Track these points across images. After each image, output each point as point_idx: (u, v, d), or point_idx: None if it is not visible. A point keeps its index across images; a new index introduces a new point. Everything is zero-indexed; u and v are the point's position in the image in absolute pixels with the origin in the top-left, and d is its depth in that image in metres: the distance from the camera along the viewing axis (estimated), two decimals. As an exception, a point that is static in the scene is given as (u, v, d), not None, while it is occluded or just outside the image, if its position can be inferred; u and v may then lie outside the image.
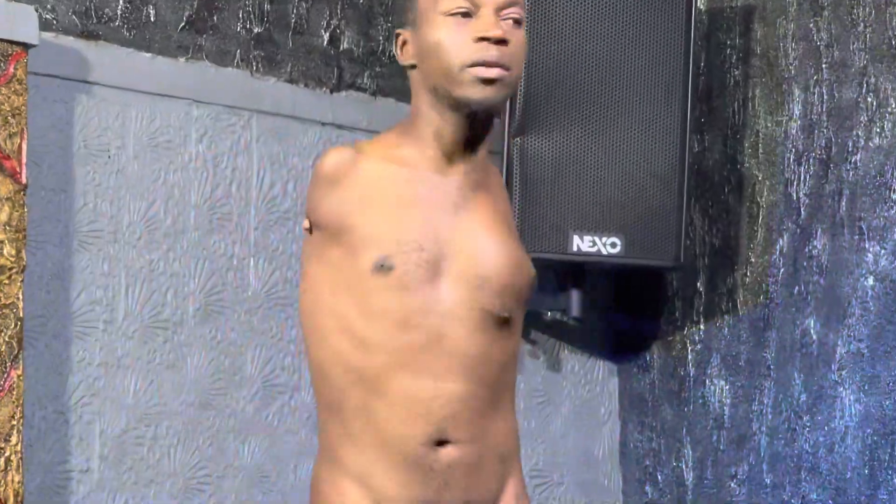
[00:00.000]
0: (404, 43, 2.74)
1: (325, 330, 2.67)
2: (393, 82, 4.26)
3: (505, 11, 2.67)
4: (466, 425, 2.63)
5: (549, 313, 4.49)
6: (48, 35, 3.69)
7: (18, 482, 3.44)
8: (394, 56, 4.07)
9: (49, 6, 3.74)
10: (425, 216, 2.67)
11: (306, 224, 2.70)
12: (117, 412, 3.80)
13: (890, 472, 4.07)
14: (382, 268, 2.62)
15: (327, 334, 2.67)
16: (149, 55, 3.90)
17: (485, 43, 2.64)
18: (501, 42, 2.64)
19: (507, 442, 2.72)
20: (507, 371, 2.72)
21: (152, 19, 3.91)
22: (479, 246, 2.68)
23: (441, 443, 2.61)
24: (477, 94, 2.65)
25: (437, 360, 2.62)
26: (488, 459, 2.67)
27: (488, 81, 2.64)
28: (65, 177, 3.74)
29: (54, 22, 3.74)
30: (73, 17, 3.78)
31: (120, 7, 3.86)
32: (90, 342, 3.76)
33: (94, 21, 3.82)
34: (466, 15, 2.66)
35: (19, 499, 3.44)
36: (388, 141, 2.75)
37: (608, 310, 4.67)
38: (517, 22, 2.68)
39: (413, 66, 2.72)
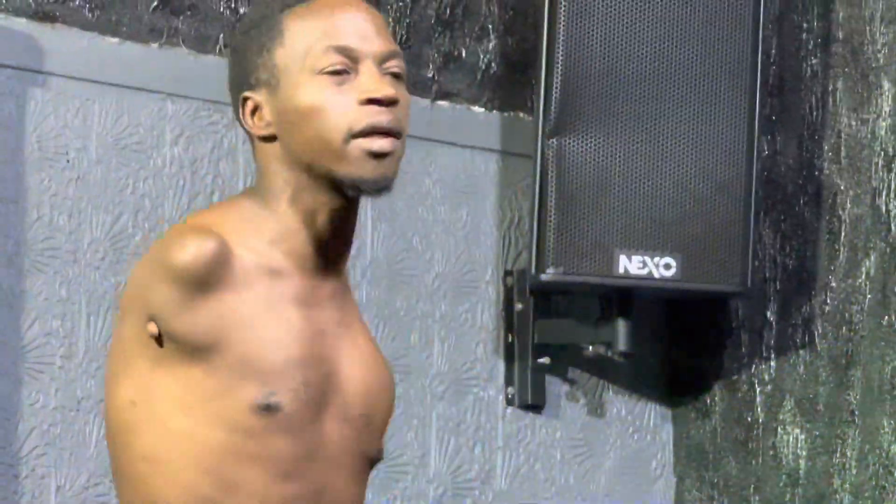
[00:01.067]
0: (255, 108, 2.50)
1: (174, 465, 2.41)
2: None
3: (386, 64, 2.47)
4: None
5: (591, 347, 4.28)
6: (-4, 17, 3.68)
7: (-39, 553, 3.43)
8: (405, 40, 4.07)
9: (-4, -17, 3.77)
10: (309, 339, 2.48)
11: (154, 330, 2.40)
12: (77, 464, 3.69)
13: None
14: (269, 408, 2.40)
15: (178, 470, 2.41)
16: (115, 40, 3.83)
17: (373, 106, 2.43)
18: (394, 102, 2.44)
19: None
20: None
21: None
22: (358, 376, 2.53)
23: None
24: (369, 171, 2.43)
25: None
26: None
27: (381, 155, 2.43)
28: (15, 184, 3.68)
29: (2, 1, 3.68)
30: (26, -4, 3.78)
31: (81, -16, 3.87)
32: (44, 381, 3.67)
33: (50, 1, 3.75)
34: (342, 73, 2.46)
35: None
36: (234, 227, 2.49)
37: (661, 344, 4.52)
38: (398, 77, 2.49)
39: (270, 138, 2.49)
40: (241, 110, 2.52)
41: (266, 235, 2.49)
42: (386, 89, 2.44)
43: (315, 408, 2.46)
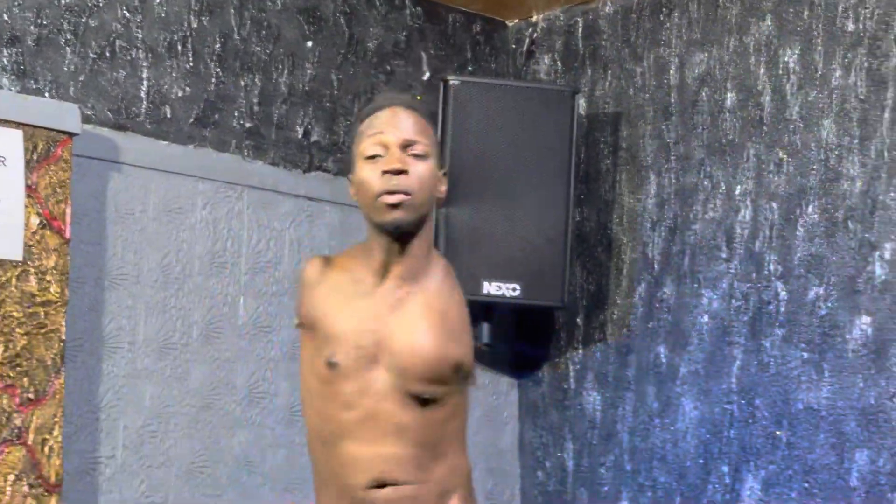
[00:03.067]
0: (351, 182, 2.65)
1: (305, 402, 2.67)
2: (350, 166, 4.24)
3: (409, 149, 2.56)
4: (401, 474, 2.58)
5: None
6: (88, 126, 3.68)
7: (59, 465, 3.42)
8: (350, 145, 4.07)
9: (89, 104, 3.73)
10: (366, 318, 2.59)
11: (297, 320, 2.66)
12: (137, 412, 3.78)
13: (718, 462, 4.08)
14: (331, 364, 2.59)
15: (306, 405, 2.67)
16: (165, 143, 3.89)
17: (388, 175, 2.53)
18: (402, 172, 2.52)
19: (446, 479, 2.66)
20: (443, 429, 2.63)
21: (168, 116, 3.90)
22: (405, 341, 2.58)
23: (381, 485, 2.58)
24: (387, 217, 2.55)
25: (372, 430, 2.57)
26: (426, 494, 2.62)
27: (393, 206, 2.54)
28: (100, 233, 3.72)
29: (93, 116, 3.74)
30: (108, 112, 3.78)
31: (144, 106, 3.85)
32: (117, 359, 3.74)
33: (124, 116, 3.81)
34: (379, 157, 2.56)
35: (59, 479, 3.42)
36: (351, 254, 2.67)
37: (511, 339, 4.64)
38: (419, 156, 2.55)
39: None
40: (350, 187, 2.63)
41: (359, 257, 2.63)
42: (394, 164, 2.51)
43: (368, 361, 2.56)
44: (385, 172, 2.53)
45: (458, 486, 2.67)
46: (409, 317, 2.60)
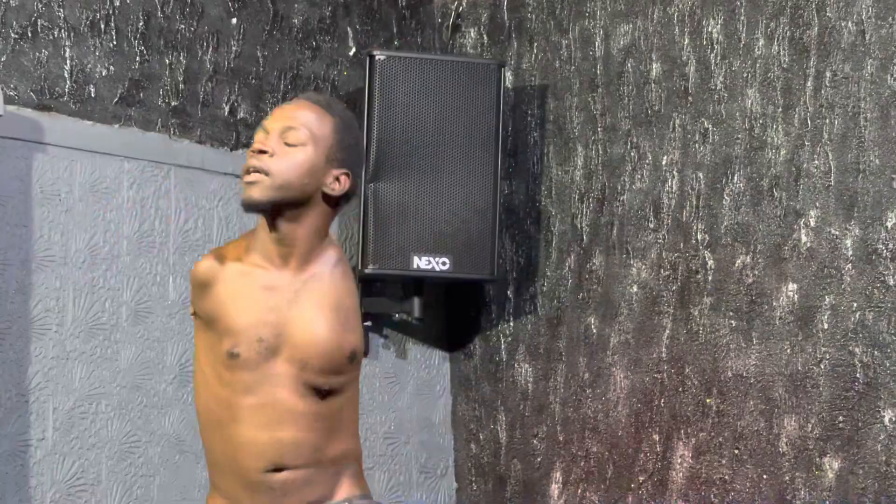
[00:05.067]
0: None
1: (198, 386, 2.66)
2: None
3: (285, 135, 2.57)
4: (297, 458, 2.61)
5: (397, 315, 4.45)
6: (11, 107, 3.67)
7: (-12, 449, 3.40)
8: None
9: (12, 85, 3.71)
10: (266, 310, 2.60)
11: (192, 310, 2.66)
12: (66, 394, 3.77)
13: (650, 430, 4.11)
14: (233, 355, 2.58)
15: (201, 390, 2.66)
16: (90, 123, 3.87)
17: (250, 154, 2.57)
18: (262, 152, 2.55)
19: (340, 460, 2.68)
20: (339, 416, 2.67)
21: (92, 95, 3.88)
22: (305, 334, 2.61)
23: (278, 469, 2.61)
24: (242, 194, 2.58)
25: (270, 416, 2.59)
26: (320, 475, 2.65)
27: (248, 184, 2.55)
28: (25, 215, 3.70)
29: (16, 97, 3.72)
30: (31, 93, 3.75)
31: (67, 86, 3.82)
32: (45, 341, 3.73)
33: (48, 96, 3.79)
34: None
35: (-11, 462, 3.40)
36: (240, 245, 2.66)
37: (442, 312, 4.63)
38: (293, 144, 2.56)
39: None
40: None
41: (249, 248, 2.62)
42: (255, 144, 2.54)
43: (269, 352, 2.58)
44: (249, 152, 2.57)
45: (351, 467, 2.71)
46: (307, 309, 2.62)
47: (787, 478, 3.80)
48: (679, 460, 4.02)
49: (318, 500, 2.64)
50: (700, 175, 4.06)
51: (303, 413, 2.60)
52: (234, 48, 4.19)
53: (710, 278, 4.01)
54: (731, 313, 3.96)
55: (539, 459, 4.35)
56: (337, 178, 2.62)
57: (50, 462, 3.68)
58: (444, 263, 4.16)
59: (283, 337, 2.60)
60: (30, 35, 3.74)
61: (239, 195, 2.57)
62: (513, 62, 4.48)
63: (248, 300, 2.59)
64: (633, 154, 4.21)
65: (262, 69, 4.24)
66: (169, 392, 3.97)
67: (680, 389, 4.04)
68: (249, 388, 2.59)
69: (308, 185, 2.58)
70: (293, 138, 2.56)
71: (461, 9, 4.64)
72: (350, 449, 2.70)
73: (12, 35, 3.70)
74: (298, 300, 2.62)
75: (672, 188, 4.12)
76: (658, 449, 4.07)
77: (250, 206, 2.56)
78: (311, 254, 2.62)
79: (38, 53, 3.75)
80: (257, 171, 2.53)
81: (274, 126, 2.58)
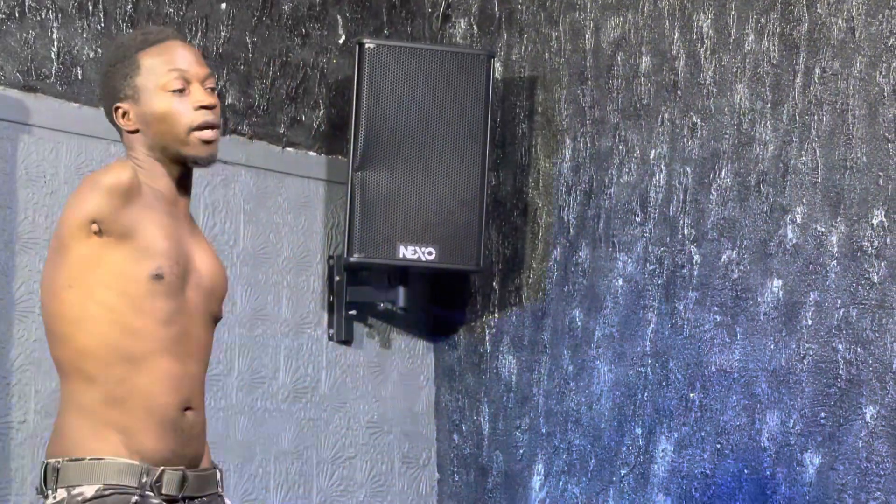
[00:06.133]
0: (125, 113, 2.63)
1: (94, 320, 2.52)
2: (266, 129, 4.24)
3: (206, 83, 2.62)
4: (199, 397, 2.61)
5: (382, 304, 4.45)
6: (-3, 88, 3.67)
7: (-32, 431, 3.37)
8: (265, 108, 4.15)
9: (-2, 65, 3.71)
10: (177, 238, 2.61)
11: (96, 228, 2.51)
12: (49, 377, 3.68)
13: (632, 424, 4.12)
14: (157, 277, 2.53)
15: (97, 325, 2.52)
16: (76, 105, 3.83)
17: (203, 110, 2.59)
18: (214, 107, 2.61)
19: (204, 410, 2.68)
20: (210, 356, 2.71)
21: (80, 77, 3.84)
22: (208, 265, 2.66)
23: (187, 409, 2.58)
24: (204, 152, 2.60)
25: (186, 348, 2.58)
26: (203, 423, 2.65)
27: (210, 142, 2.60)
28: (10, 196, 3.66)
29: (2, 77, 3.68)
30: (18, 74, 3.71)
31: (54, 67, 3.79)
32: (28, 323, 3.69)
33: (34, 78, 3.75)
34: (181, 91, 2.60)
35: (-31, 444, 3.37)
36: (142, 172, 2.62)
37: (427, 302, 4.62)
38: (213, 90, 2.64)
39: (136, 131, 2.63)
40: (113, 114, 2.62)
41: (151, 179, 2.61)
42: (210, 99, 2.58)
43: (180, 281, 2.57)
44: (201, 108, 2.58)
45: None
46: (200, 242, 2.69)
47: (768, 473, 3.81)
48: (661, 454, 4.04)
49: (199, 455, 2.62)
50: (688, 169, 4.07)
51: (204, 345, 2.62)
52: (223, 33, 4.17)
53: (695, 273, 4.02)
54: (715, 308, 3.97)
55: (521, 451, 4.35)
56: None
57: (31, 444, 3.64)
58: (429, 253, 4.17)
59: (191, 266, 2.61)
60: (17, 15, 3.71)
61: (199, 153, 2.60)
62: (502, 53, 4.48)
63: (161, 223, 2.57)
64: (621, 147, 4.21)
65: (251, 55, 4.23)
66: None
67: (663, 383, 4.05)
68: (169, 317, 2.55)
69: None
70: (211, 84, 2.63)
71: (452, -1, 4.68)
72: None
73: (-1, 15, 3.72)
74: (196, 235, 2.68)
75: (659, 182, 4.13)
76: (640, 442, 4.08)
77: (212, 163, 2.64)
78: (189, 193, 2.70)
79: (24, 34, 3.72)
80: (215, 126, 2.60)
81: (193, 74, 2.61)
